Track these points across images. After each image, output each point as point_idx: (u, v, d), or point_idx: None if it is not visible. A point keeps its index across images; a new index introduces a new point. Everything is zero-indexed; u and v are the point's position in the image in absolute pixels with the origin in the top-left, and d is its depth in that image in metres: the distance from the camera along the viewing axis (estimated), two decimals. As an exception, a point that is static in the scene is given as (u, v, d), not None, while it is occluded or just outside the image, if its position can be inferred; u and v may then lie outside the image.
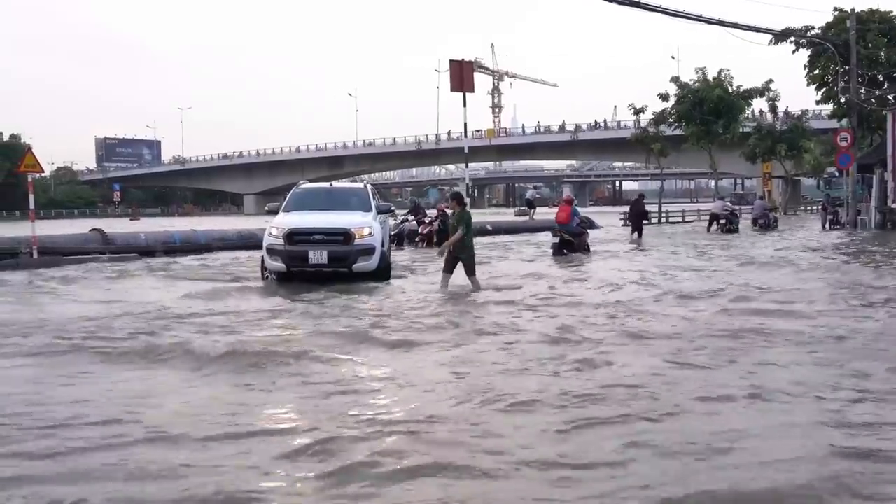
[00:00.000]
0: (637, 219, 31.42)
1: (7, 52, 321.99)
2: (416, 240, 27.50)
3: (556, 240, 23.17)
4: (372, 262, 15.66)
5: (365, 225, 15.89)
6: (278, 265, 15.25)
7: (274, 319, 10.78)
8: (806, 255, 21.29)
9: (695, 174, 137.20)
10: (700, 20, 36.01)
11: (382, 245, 16.33)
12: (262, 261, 15.92)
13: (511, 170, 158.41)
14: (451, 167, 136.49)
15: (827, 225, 37.00)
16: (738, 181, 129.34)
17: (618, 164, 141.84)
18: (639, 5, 32.93)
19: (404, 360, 7.87)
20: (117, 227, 34.62)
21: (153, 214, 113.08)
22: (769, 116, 59.48)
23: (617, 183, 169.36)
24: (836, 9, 43.53)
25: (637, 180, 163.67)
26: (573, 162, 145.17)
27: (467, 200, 17.85)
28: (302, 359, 7.72)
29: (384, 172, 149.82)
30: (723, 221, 34.60)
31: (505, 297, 12.86)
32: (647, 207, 34.09)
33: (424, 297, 13.06)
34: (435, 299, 12.76)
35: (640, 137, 56.76)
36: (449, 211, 18.53)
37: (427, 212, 31.67)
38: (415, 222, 28.68)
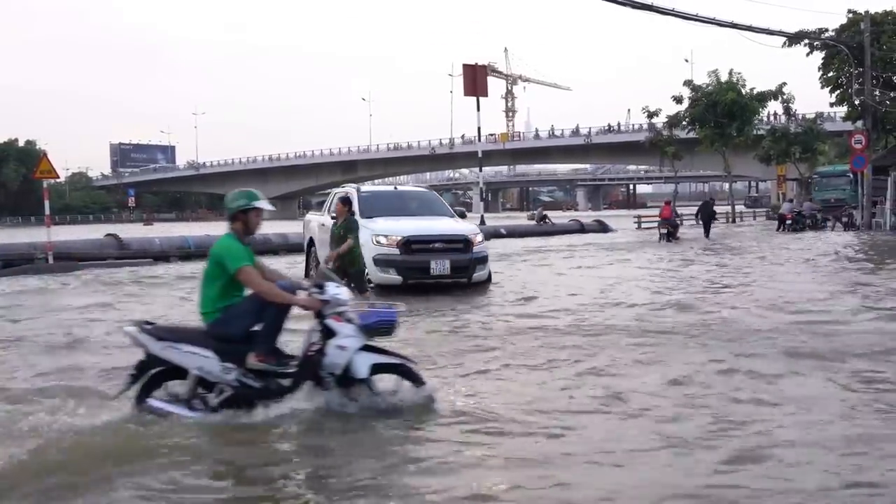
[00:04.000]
0: (707, 220, 35.63)
1: (22, 59, 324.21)
2: None
3: (664, 231, 31.73)
4: (486, 271, 14.79)
5: (478, 231, 15.01)
6: (391, 277, 13.78)
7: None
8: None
9: (709, 177, 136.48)
10: (713, 23, 35.98)
11: None
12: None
13: (525, 173, 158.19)
14: (465, 171, 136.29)
15: (834, 227, 37.69)
16: (753, 184, 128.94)
17: (631, 167, 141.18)
18: (652, 9, 32.95)
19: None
20: (132, 232, 34.80)
21: (168, 219, 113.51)
22: (783, 119, 59.20)
23: (631, 186, 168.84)
24: (850, 11, 43.32)
25: (651, 183, 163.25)
26: (587, 165, 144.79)
27: (481, 204, 17.67)
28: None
29: (398, 176, 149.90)
30: (789, 222, 38.14)
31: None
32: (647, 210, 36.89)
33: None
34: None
35: (654, 141, 56.67)
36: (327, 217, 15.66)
37: None
38: None
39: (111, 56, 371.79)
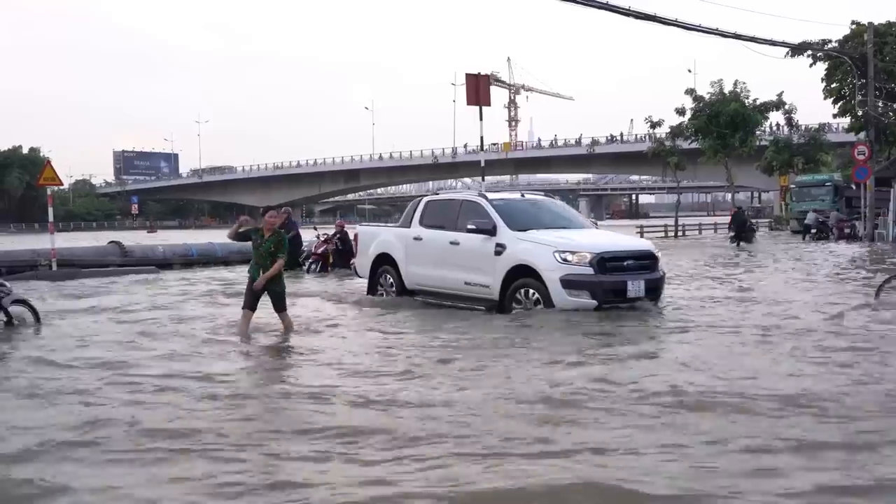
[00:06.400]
0: (739, 228, 37.26)
1: (26, 65, 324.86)
2: (310, 261, 22.90)
3: (732, 234, 36.44)
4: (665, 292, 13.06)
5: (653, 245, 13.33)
6: (584, 301, 11.55)
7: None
8: None
9: (711, 187, 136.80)
10: (716, 34, 35.93)
11: None
12: (508, 295, 12.19)
13: (527, 183, 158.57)
14: (468, 180, 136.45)
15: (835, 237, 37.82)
16: (755, 194, 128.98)
17: (634, 177, 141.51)
18: (655, 19, 32.94)
19: None
20: (135, 239, 34.88)
21: (171, 227, 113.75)
22: (785, 130, 59.24)
23: (633, 196, 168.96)
24: (853, 22, 43.39)
25: (653, 194, 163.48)
26: (589, 175, 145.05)
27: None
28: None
29: (400, 186, 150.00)
30: (814, 231, 39.10)
31: None
32: (655, 220, 37.83)
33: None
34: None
35: (656, 151, 56.71)
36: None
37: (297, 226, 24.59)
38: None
39: (115, 64, 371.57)
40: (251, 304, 10.72)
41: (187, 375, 8.07)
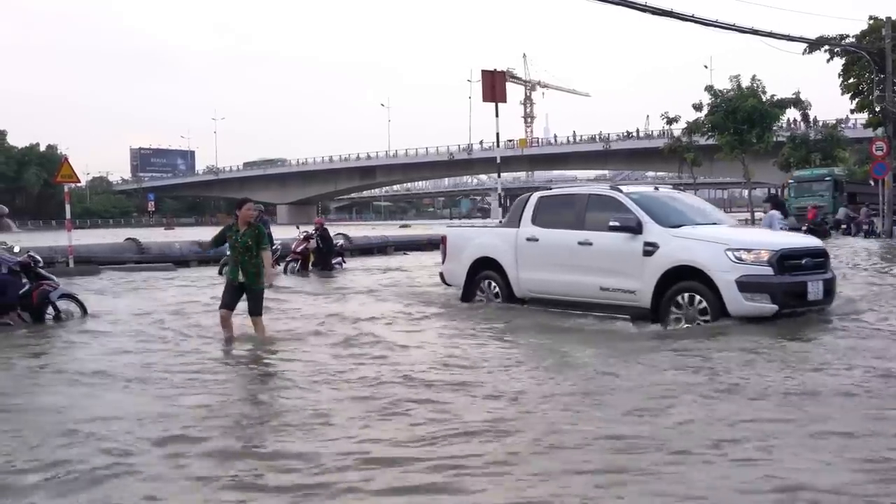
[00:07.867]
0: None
1: (44, 64, 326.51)
2: (288, 260, 21.67)
3: (804, 228, 32.60)
4: None
5: None
6: (763, 306, 9.92)
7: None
8: None
9: (728, 184, 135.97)
10: (733, 29, 35.74)
11: None
12: (664, 301, 10.49)
13: (543, 180, 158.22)
14: (483, 177, 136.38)
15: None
16: (773, 191, 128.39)
17: (650, 173, 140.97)
18: (672, 15, 32.77)
19: None
20: (152, 236, 35.02)
21: (187, 224, 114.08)
22: (802, 126, 58.95)
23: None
24: (871, 17, 43.05)
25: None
26: (605, 172, 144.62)
27: (499, 210, 17.06)
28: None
29: (416, 182, 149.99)
30: (844, 227, 39.88)
31: None
32: None
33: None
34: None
35: (673, 147, 56.53)
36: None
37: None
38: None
39: (132, 63, 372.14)
40: (230, 304, 10.24)
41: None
